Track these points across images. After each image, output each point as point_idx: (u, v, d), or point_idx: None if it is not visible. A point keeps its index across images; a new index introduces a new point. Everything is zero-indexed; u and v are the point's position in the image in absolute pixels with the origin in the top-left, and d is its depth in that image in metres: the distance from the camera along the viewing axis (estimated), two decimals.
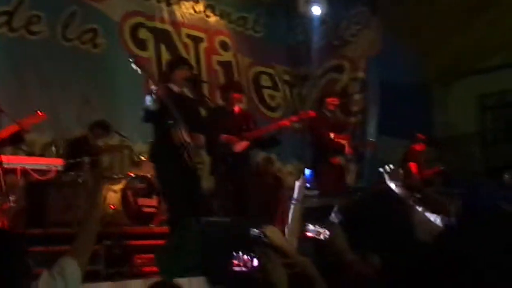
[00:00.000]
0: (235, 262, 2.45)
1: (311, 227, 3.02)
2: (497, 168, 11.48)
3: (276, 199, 10.48)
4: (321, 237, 2.94)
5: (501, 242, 3.10)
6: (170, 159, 6.41)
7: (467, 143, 12.06)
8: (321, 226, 3.02)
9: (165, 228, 6.98)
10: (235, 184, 7.16)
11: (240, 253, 2.45)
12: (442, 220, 3.75)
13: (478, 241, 3.04)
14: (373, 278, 2.77)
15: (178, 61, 7.25)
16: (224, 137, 7.17)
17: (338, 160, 8.07)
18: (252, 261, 2.43)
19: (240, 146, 7.24)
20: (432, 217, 3.84)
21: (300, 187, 3.89)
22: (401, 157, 9.65)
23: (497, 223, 3.59)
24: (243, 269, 2.43)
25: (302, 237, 3.22)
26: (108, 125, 8.74)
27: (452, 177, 8.69)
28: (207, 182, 7.78)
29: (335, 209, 3.53)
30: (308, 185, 3.76)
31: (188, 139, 6.42)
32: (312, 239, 3.03)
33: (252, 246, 2.52)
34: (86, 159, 7.95)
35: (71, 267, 3.00)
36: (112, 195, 7.75)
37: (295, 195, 3.69)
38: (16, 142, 6.79)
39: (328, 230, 2.95)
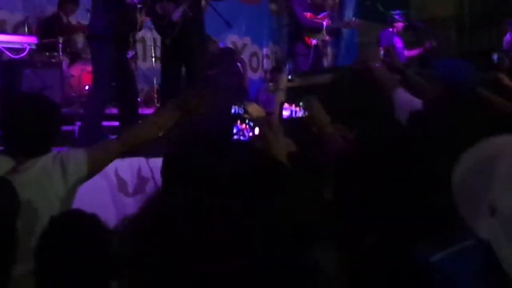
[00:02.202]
0: (235, 131, 2.46)
1: (287, 106, 3.03)
2: (473, 52, 11.54)
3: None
4: (299, 114, 2.95)
5: (475, 125, 3.17)
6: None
7: (444, 27, 12.01)
8: (299, 104, 3.03)
9: None
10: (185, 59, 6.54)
11: (238, 122, 2.45)
12: (422, 101, 3.78)
13: (455, 124, 3.09)
14: (350, 149, 2.81)
15: None
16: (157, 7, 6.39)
17: (314, 41, 8.00)
18: (252, 130, 2.43)
19: (178, 12, 6.36)
20: (413, 98, 3.88)
21: (282, 79, 3.85)
22: (377, 40, 9.60)
23: (473, 108, 3.66)
24: (242, 138, 2.44)
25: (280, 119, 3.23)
26: None
27: (430, 59, 8.69)
28: None
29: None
30: (290, 77, 3.71)
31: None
32: (290, 118, 3.04)
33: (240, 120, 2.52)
34: (60, 39, 7.84)
35: (77, 161, 2.93)
36: (88, 75, 7.69)
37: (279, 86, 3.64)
38: None
39: (307, 107, 2.95)
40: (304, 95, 3.24)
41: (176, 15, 6.32)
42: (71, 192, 2.94)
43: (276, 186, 1.71)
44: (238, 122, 2.41)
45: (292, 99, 3.63)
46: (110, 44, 5.95)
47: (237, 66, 10.40)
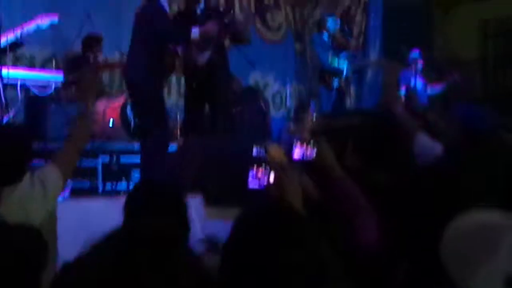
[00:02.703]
0: (250, 178, 2.46)
1: (299, 146, 3.03)
2: (496, 95, 11.52)
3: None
4: (309, 155, 2.94)
5: (496, 170, 3.15)
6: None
7: (467, 69, 12.00)
8: (309, 145, 3.03)
9: None
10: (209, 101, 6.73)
11: (255, 168, 2.45)
12: (442, 145, 3.77)
13: (474, 169, 3.08)
14: (362, 194, 2.81)
15: None
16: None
17: (336, 82, 8.02)
18: (268, 176, 2.43)
19: (204, 57, 6.55)
20: (434, 142, 3.88)
21: (306, 118, 3.89)
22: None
23: (495, 152, 3.64)
24: (257, 186, 2.44)
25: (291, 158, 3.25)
26: (100, 37, 8.70)
27: (452, 101, 8.67)
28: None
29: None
30: (314, 117, 3.74)
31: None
32: (301, 159, 3.04)
33: (257, 163, 2.52)
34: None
35: (53, 176, 3.03)
36: (111, 111, 7.77)
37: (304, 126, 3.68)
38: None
39: (317, 148, 2.96)
40: (320, 137, 3.25)
41: (202, 60, 6.44)
42: (54, 207, 3.04)
43: (289, 238, 1.71)
44: (254, 166, 2.42)
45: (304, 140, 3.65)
46: (148, 84, 6.14)
47: (260, 104, 10.47)
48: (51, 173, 3.05)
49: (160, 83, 6.31)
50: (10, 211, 2.82)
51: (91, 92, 3.37)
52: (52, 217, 3.06)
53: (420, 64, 9.43)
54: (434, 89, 9.59)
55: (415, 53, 9.41)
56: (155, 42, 6.12)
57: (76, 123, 3.43)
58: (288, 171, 2.48)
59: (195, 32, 6.21)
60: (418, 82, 9.28)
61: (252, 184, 2.45)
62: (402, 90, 8.75)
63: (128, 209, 2.67)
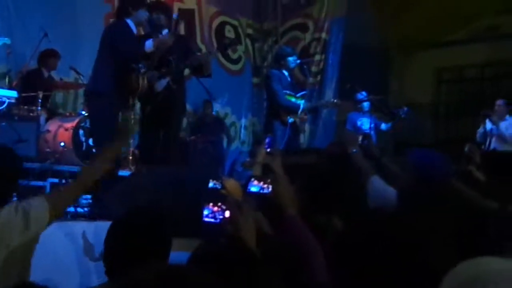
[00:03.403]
0: (205, 213, 2.44)
1: (256, 182, 3.02)
2: (447, 141, 11.72)
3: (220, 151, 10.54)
4: (265, 191, 2.94)
5: (450, 219, 3.18)
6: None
7: (421, 114, 12.21)
8: (266, 181, 3.02)
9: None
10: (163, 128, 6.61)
11: (211, 204, 2.43)
12: (396, 191, 3.80)
13: (429, 214, 3.10)
14: (310, 237, 2.80)
15: (142, 0, 6.62)
16: None
17: (291, 119, 8.03)
18: (223, 212, 2.41)
19: (162, 84, 6.47)
20: (387, 186, 3.90)
21: (261, 151, 3.89)
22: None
23: (448, 200, 3.68)
24: (213, 220, 2.42)
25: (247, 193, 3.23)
26: (57, 53, 8.64)
27: (404, 146, 8.77)
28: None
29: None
30: (268, 150, 3.75)
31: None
32: (256, 194, 3.03)
33: (212, 198, 2.51)
34: (40, 93, 7.84)
35: (39, 210, 2.94)
36: (64, 132, 7.66)
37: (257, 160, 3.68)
38: None
39: (272, 185, 2.95)
40: (277, 174, 3.25)
41: (160, 86, 6.42)
42: (34, 240, 2.95)
43: (242, 276, 1.70)
44: (210, 204, 2.40)
45: (262, 175, 3.64)
46: (110, 102, 6.03)
47: (220, 137, 10.51)
48: (37, 205, 2.97)
49: (120, 102, 6.24)
50: None
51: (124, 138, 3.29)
52: (30, 247, 2.96)
53: (367, 105, 9.59)
54: (385, 125, 9.65)
55: (361, 95, 9.55)
56: (117, 60, 6.11)
57: (90, 165, 3.36)
58: (243, 208, 2.46)
59: (148, 43, 6.19)
60: (366, 123, 9.40)
61: (208, 218, 2.43)
62: (355, 131, 8.85)
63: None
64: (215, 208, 2.42)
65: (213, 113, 10.99)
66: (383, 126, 9.60)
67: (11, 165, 3.05)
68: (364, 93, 9.53)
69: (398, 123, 9.52)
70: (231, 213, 2.40)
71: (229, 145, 11.25)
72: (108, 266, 2.48)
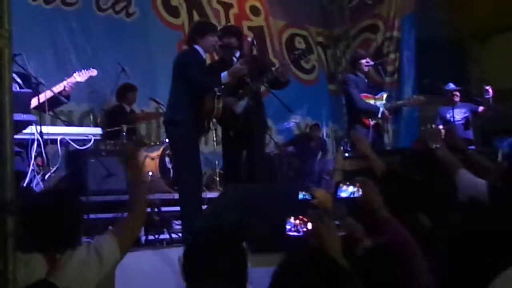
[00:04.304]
0: (288, 227, 2.44)
1: (345, 187, 3.00)
2: None
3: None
4: (355, 195, 2.91)
5: None
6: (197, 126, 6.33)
7: (504, 100, 11.85)
8: (354, 185, 2.99)
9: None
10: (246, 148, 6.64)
11: (292, 218, 2.43)
12: (486, 182, 3.69)
13: None
14: (409, 237, 2.75)
15: (209, 26, 6.78)
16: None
17: (372, 120, 7.93)
18: (305, 225, 2.41)
19: (241, 106, 6.49)
20: (477, 178, 3.80)
21: (338, 157, 3.87)
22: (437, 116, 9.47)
23: None
24: (296, 234, 2.42)
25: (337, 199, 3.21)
26: (133, 86, 8.87)
27: (493, 135, 8.50)
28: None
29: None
30: (346, 154, 3.73)
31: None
32: (346, 199, 3.01)
33: (302, 210, 2.50)
34: (124, 127, 8.04)
35: (110, 247, 2.99)
36: (150, 162, 7.83)
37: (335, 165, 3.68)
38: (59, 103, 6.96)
39: (362, 188, 2.92)
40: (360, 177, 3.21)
41: (239, 108, 6.47)
42: (110, 276, 3.01)
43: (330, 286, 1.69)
44: (292, 218, 2.40)
45: (350, 180, 3.60)
46: (187, 128, 6.17)
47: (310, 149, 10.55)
48: (107, 243, 3.02)
49: (196, 128, 6.33)
50: (71, 277, 2.83)
51: (136, 165, 3.34)
52: (110, 278, 3.06)
53: (457, 97, 9.29)
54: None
55: (450, 86, 9.30)
56: (190, 88, 6.20)
57: (131, 194, 3.40)
58: (327, 220, 2.44)
59: (224, 75, 6.24)
60: (457, 115, 9.13)
61: (291, 232, 2.43)
62: (440, 125, 8.63)
63: None
64: (297, 221, 2.41)
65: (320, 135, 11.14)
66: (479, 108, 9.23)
67: (68, 205, 3.11)
68: (451, 84, 9.30)
69: (488, 107, 9.17)
70: (313, 225, 2.38)
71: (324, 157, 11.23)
72: None
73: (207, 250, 2.53)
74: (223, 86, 6.30)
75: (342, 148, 8.50)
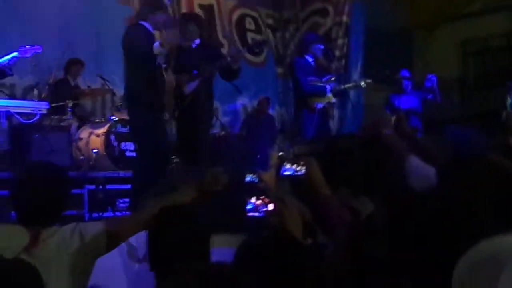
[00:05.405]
0: (248, 208, 2.42)
1: (289, 165, 3.01)
2: (476, 115, 11.57)
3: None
4: (298, 173, 2.92)
5: (488, 193, 3.13)
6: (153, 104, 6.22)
7: (447, 88, 12.09)
8: (299, 164, 3.01)
9: None
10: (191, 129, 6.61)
11: (253, 198, 2.42)
12: (435, 169, 3.75)
13: (469, 192, 3.07)
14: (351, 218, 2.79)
15: (158, 3, 6.56)
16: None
17: (320, 104, 7.98)
18: (266, 205, 2.40)
19: (191, 86, 6.50)
20: (425, 165, 3.85)
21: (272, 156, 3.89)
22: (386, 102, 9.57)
23: (485, 174, 3.63)
24: (258, 214, 2.41)
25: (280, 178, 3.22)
26: (81, 61, 8.73)
27: (436, 124, 8.63)
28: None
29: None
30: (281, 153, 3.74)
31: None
32: (289, 177, 3.01)
33: (249, 193, 2.50)
34: (69, 102, 7.93)
35: (97, 235, 2.88)
36: (95, 139, 7.73)
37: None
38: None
39: (305, 167, 2.94)
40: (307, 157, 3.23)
41: (189, 88, 6.41)
42: (89, 265, 2.92)
43: (293, 265, 1.70)
44: (253, 198, 2.39)
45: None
46: (146, 103, 6.07)
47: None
48: (94, 230, 2.91)
49: (158, 104, 6.20)
50: (49, 254, 2.80)
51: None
52: (86, 273, 2.95)
53: (408, 84, 9.40)
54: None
55: (403, 73, 9.40)
56: (137, 61, 6.08)
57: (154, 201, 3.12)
58: (288, 200, 2.45)
59: (156, 45, 6.07)
60: (405, 103, 9.22)
61: (252, 212, 2.42)
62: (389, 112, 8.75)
63: None
64: (258, 202, 2.40)
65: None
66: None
67: (57, 181, 3.06)
68: (403, 71, 9.40)
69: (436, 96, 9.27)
70: (275, 205, 2.38)
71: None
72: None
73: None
74: (163, 57, 6.18)
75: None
